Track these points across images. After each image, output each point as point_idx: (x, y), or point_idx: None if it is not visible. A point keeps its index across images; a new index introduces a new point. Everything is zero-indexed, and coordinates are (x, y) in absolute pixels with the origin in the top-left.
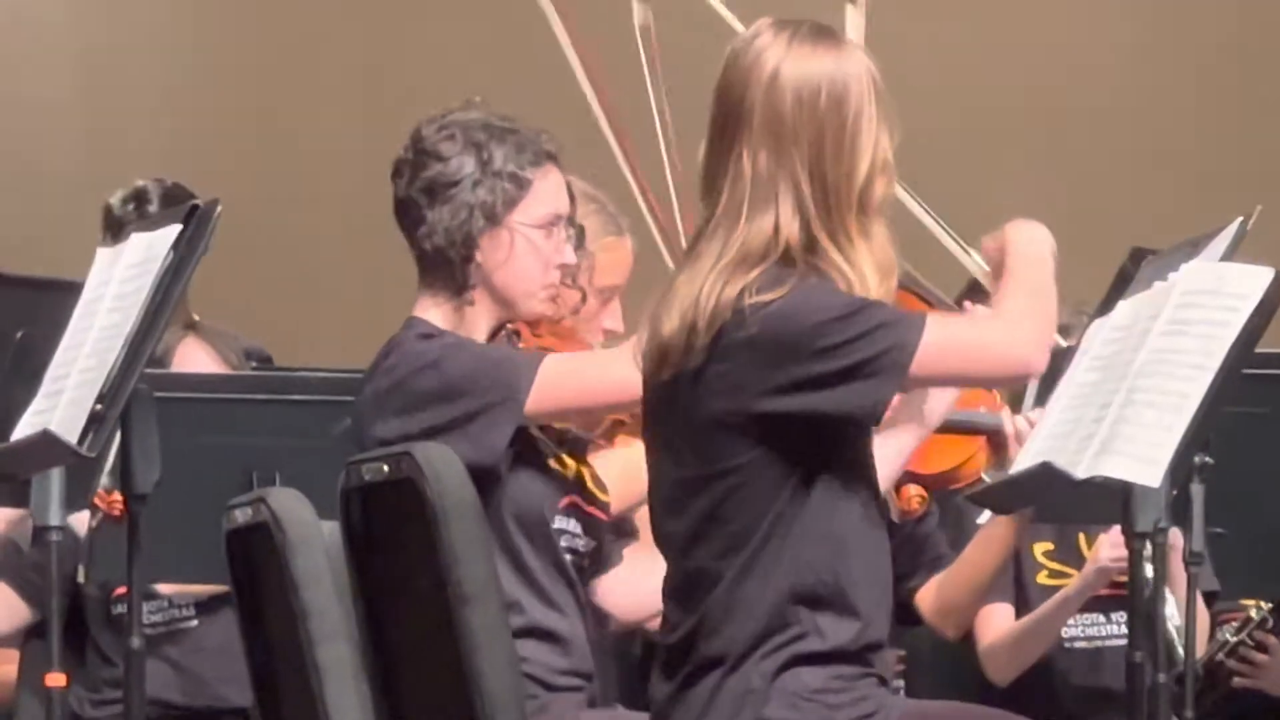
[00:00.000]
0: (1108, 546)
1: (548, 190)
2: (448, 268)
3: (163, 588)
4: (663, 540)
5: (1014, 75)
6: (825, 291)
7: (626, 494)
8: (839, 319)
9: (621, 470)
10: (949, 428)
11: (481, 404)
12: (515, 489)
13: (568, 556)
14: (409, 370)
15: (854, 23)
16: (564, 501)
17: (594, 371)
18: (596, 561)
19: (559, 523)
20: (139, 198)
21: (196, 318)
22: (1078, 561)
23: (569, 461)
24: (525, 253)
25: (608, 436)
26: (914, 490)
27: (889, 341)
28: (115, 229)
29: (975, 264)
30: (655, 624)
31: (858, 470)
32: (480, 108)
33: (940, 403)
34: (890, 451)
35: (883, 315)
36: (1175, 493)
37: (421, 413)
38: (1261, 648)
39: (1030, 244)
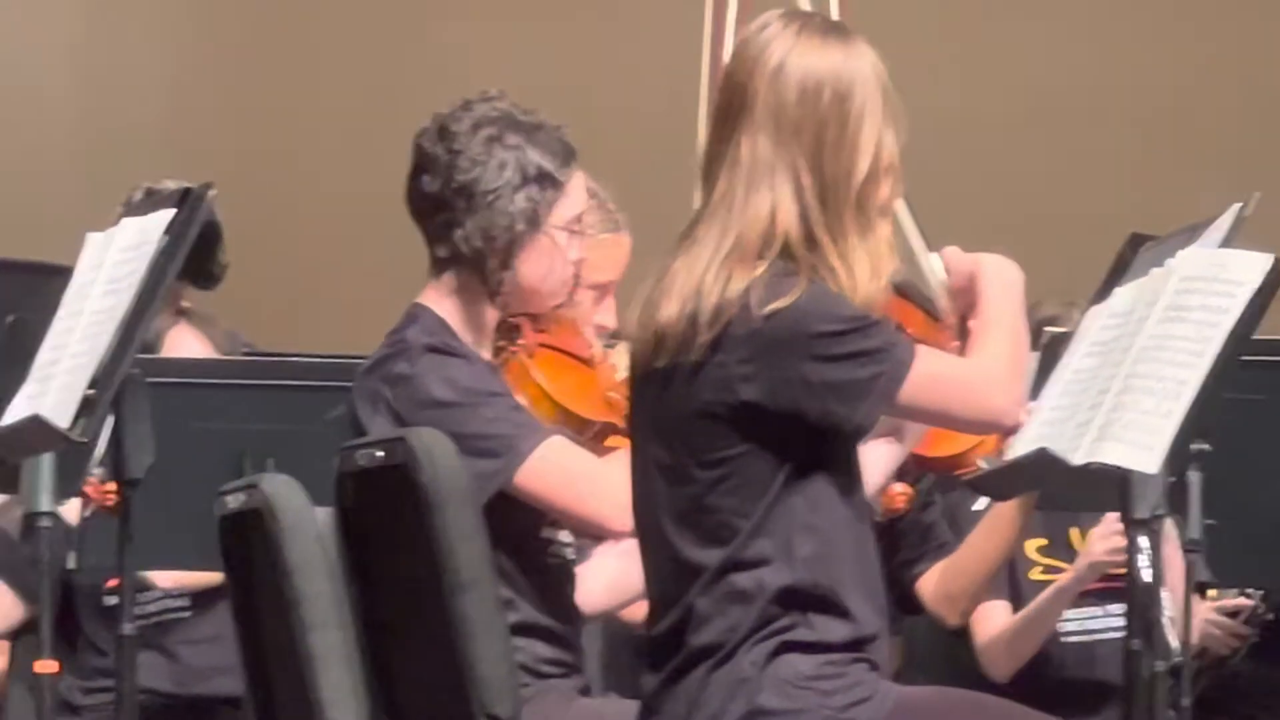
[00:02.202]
0: (1100, 539)
1: (576, 190)
2: (481, 271)
3: (161, 581)
4: (644, 528)
5: (1009, 61)
6: (832, 301)
7: (618, 595)
8: (839, 334)
9: (616, 568)
10: None
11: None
12: (503, 511)
13: (553, 561)
14: (421, 400)
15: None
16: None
17: (592, 487)
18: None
19: (547, 533)
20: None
21: (187, 304)
22: (1070, 557)
23: None
24: (556, 255)
25: (598, 438)
26: (899, 489)
27: (881, 367)
28: None
29: (931, 268)
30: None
31: (845, 474)
32: (502, 100)
33: (918, 428)
34: (874, 458)
35: (881, 338)
36: (1173, 480)
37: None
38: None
39: (1007, 285)
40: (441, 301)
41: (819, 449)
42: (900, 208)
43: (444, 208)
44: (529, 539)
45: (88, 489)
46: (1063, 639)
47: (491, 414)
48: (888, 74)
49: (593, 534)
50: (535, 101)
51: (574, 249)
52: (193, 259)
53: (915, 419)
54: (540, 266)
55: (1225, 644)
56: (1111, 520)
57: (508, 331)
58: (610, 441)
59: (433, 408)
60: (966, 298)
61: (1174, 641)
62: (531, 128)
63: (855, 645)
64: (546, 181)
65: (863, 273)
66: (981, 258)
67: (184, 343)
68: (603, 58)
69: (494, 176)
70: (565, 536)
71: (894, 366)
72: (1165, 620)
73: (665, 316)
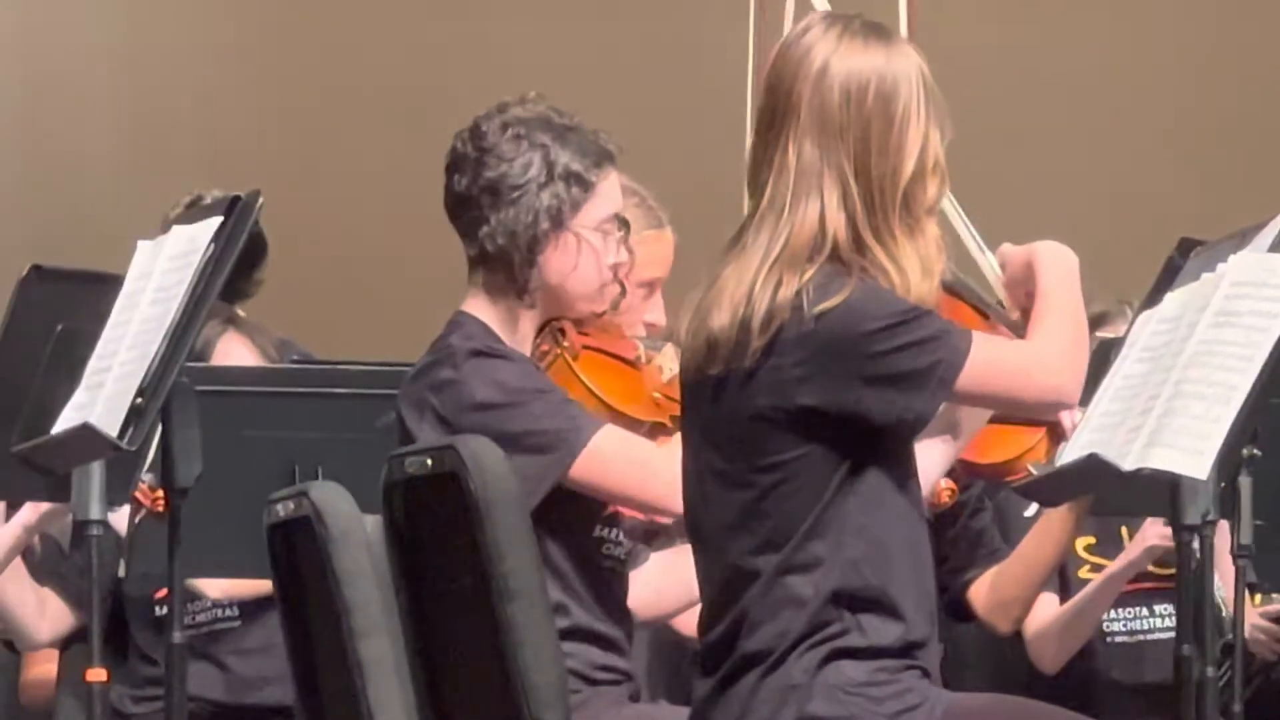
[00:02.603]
0: (1153, 523)
1: (609, 191)
2: (508, 269)
3: (210, 591)
4: (698, 534)
5: (1058, 66)
6: (881, 297)
7: (665, 602)
8: (891, 327)
9: (661, 572)
10: (1010, 418)
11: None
12: (557, 504)
13: (607, 563)
14: (468, 405)
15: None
16: (607, 510)
17: (646, 470)
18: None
19: (599, 531)
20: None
21: (241, 313)
22: (1119, 555)
23: None
24: (587, 256)
25: (650, 437)
26: (944, 483)
27: (938, 355)
28: None
29: (990, 265)
30: (682, 623)
31: (900, 472)
32: (539, 102)
33: (971, 424)
34: (929, 455)
35: (934, 327)
36: (1223, 485)
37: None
38: None
39: (1065, 270)
40: (482, 307)
41: (875, 447)
42: (950, 210)
43: (472, 205)
44: (583, 537)
45: (138, 494)
46: (1109, 639)
47: (540, 410)
48: (931, 73)
49: (655, 517)
50: (583, 101)
51: (612, 252)
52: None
53: (978, 404)
54: (565, 264)
55: (1271, 649)
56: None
57: (552, 335)
58: (661, 441)
59: (480, 411)
60: (1024, 287)
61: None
62: (564, 129)
63: (906, 650)
64: (574, 180)
65: (914, 272)
66: (1037, 245)
67: (233, 351)
68: (651, 58)
69: (519, 173)
70: (618, 535)
71: (951, 353)
72: (1219, 599)
73: (717, 324)
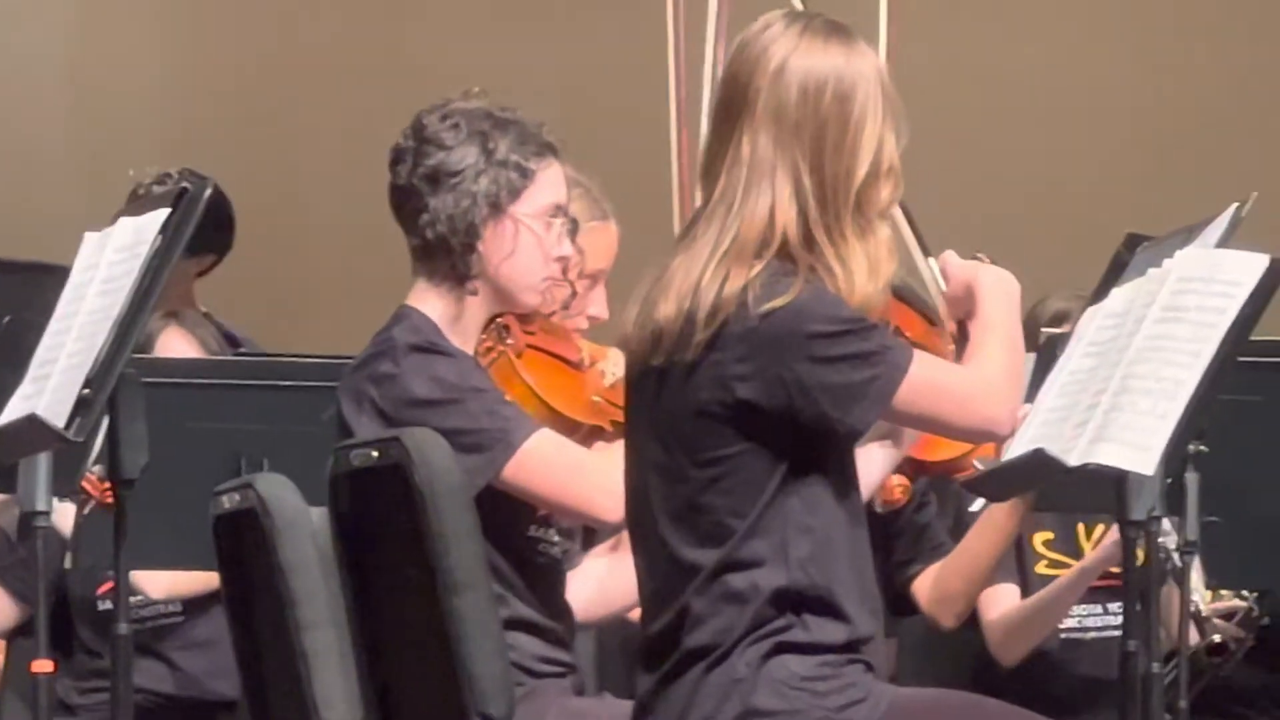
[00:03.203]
0: None
1: (550, 180)
2: (448, 257)
3: (152, 591)
4: (639, 527)
5: (1009, 66)
6: (828, 302)
7: (604, 604)
8: (835, 335)
9: (600, 580)
10: None
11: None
12: (491, 503)
13: (542, 560)
14: (406, 400)
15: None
16: (541, 511)
17: (580, 478)
18: (568, 559)
19: (534, 531)
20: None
21: (204, 309)
22: (1077, 552)
23: None
24: (527, 245)
25: (585, 441)
26: (896, 480)
27: (877, 370)
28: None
29: (931, 272)
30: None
31: (841, 475)
32: (481, 98)
33: (913, 430)
34: (870, 458)
35: (877, 341)
36: (1169, 481)
37: None
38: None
39: (1006, 299)
40: (427, 301)
41: (815, 450)
42: (897, 212)
43: (412, 195)
44: (517, 537)
45: (87, 485)
46: (1062, 635)
47: (477, 409)
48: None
49: (585, 524)
50: (529, 103)
51: (555, 243)
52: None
53: (909, 424)
54: (503, 251)
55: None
56: None
57: (496, 332)
58: (598, 446)
59: (418, 407)
60: (963, 306)
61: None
62: (504, 121)
63: (850, 647)
64: (512, 167)
65: (861, 274)
66: (980, 268)
67: (174, 346)
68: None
69: (457, 160)
70: (553, 535)
71: (890, 370)
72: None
73: (663, 315)
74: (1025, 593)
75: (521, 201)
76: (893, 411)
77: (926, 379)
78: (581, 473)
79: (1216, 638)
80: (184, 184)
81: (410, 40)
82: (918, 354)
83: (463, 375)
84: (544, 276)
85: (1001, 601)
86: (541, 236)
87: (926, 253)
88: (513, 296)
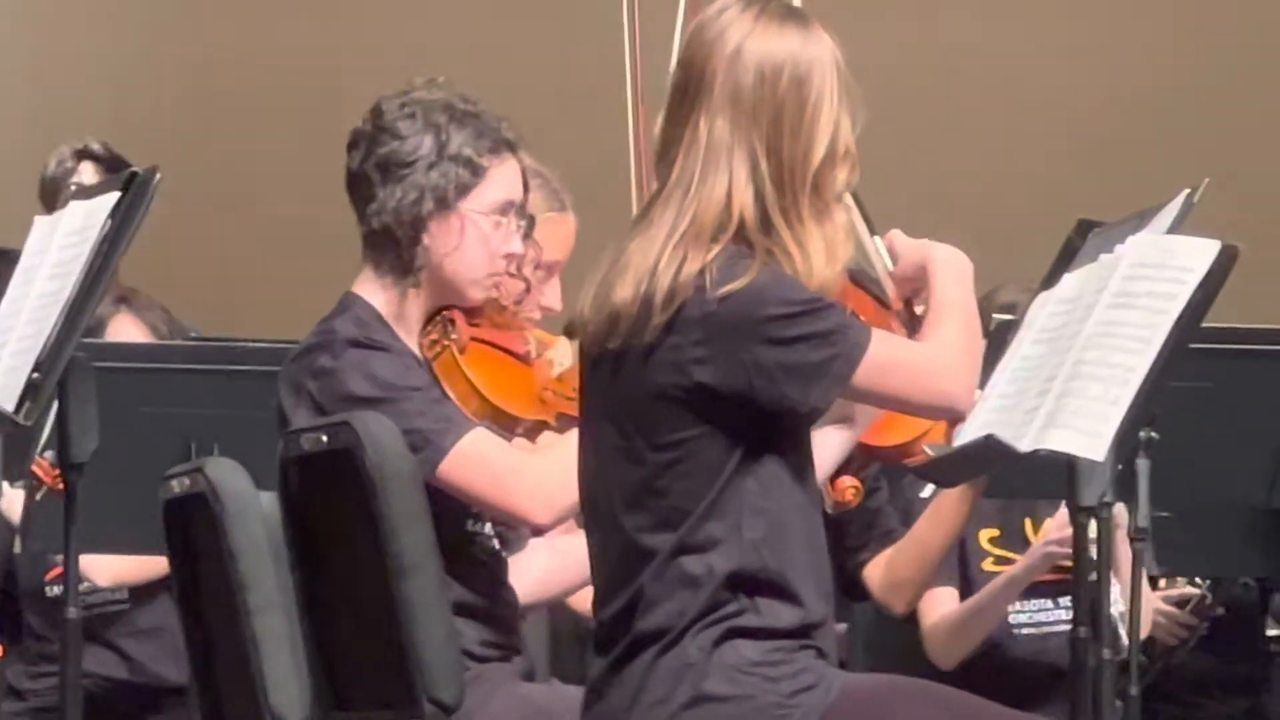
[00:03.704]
0: (1055, 530)
1: (503, 178)
2: (394, 248)
3: (100, 580)
4: (594, 510)
5: (962, 55)
6: (785, 284)
7: (546, 589)
8: (793, 316)
9: (547, 562)
10: None
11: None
12: (429, 501)
13: (480, 555)
14: (342, 396)
15: None
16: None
17: (514, 480)
18: (510, 545)
19: (470, 526)
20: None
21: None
22: (1022, 547)
23: None
24: (474, 241)
25: (530, 436)
26: (848, 482)
27: (836, 349)
28: (50, 196)
29: (877, 251)
30: (578, 600)
31: (797, 458)
32: (444, 88)
33: (868, 412)
34: (826, 441)
35: (835, 320)
36: (1120, 467)
37: None
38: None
39: (960, 276)
40: (372, 288)
41: (772, 432)
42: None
43: (364, 182)
44: (454, 532)
45: (37, 470)
46: (1015, 630)
47: (412, 408)
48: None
49: (516, 525)
50: (486, 91)
51: (504, 241)
52: None
53: (869, 402)
54: (448, 246)
55: (1173, 634)
56: (1065, 515)
57: (441, 325)
58: (542, 439)
59: (353, 404)
60: (912, 284)
61: (1123, 635)
62: (464, 114)
63: (802, 632)
64: (464, 163)
65: (819, 258)
66: (932, 247)
67: (125, 330)
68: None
69: (410, 151)
70: (489, 530)
71: (848, 349)
72: (1115, 614)
73: (620, 298)
74: (969, 590)
75: (470, 198)
76: (853, 390)
77: (885, 356)
78: (516, 475)
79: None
80: (133, 170)
81: (365, 29)
82: (876, 332)
83: (400, 373)
84: (489, 273)
85: (939, 605)
86: (489, 234)
87: (873, 231)
88: (457, 291)
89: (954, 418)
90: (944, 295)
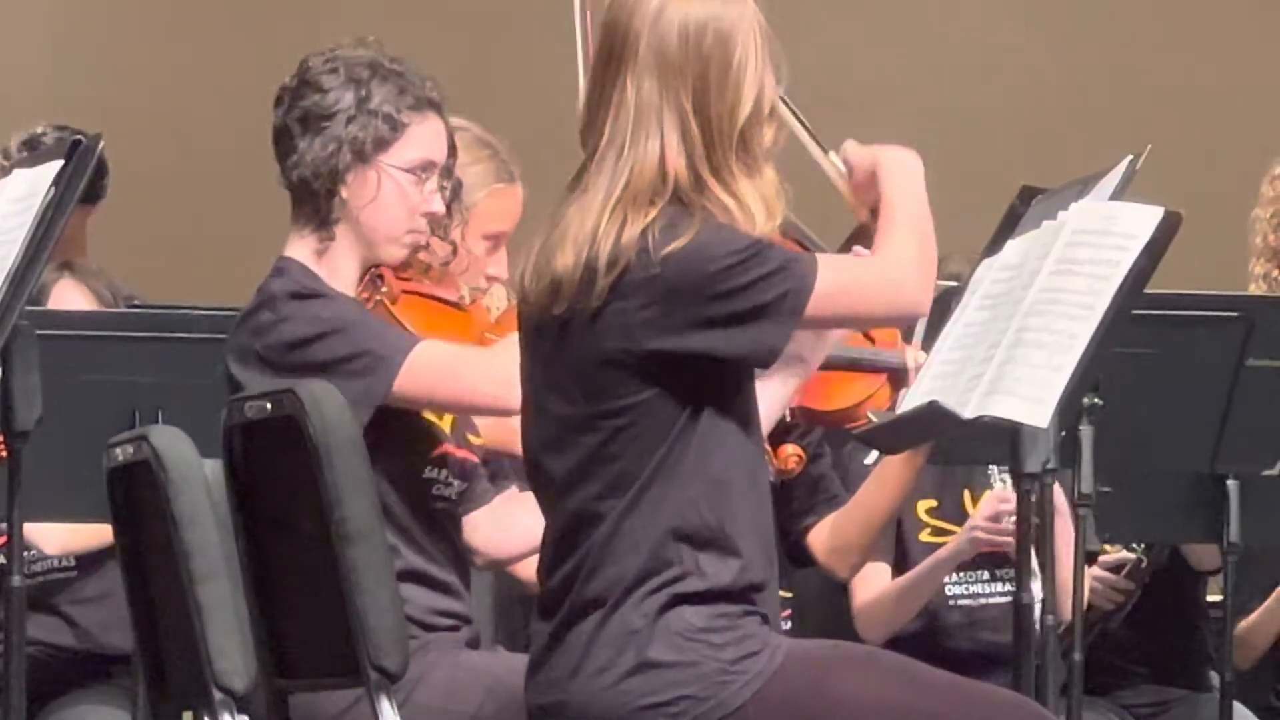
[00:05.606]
0: (983, 516)
1: (424, 136)
2: (313, 201)
3: (47, 548)
4: (539, 479)
5: (904, 26)
6: (724, 234)
7: (510, 543)
8: (737, 264)
9: (508, 513)
10: (850, 365)
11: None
12: (385, 446)
13: (439, 505)
14: (288, 343)
15: None
16: (436, 451)
17: (470, 371)
18: (467, 501)
19: (429, 473)
20: (32, 144)
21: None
22: (959, 519)
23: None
24: (391, 196)
25: None
26: (791, 450)
27: (786, 285)
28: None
29: (834, 165)
30: (521, 569)
31: (742, 411)
32: (372, 47)
33: (824, 343)
34: (771, 392)
35: (780, 258)
36: (1064, 434)
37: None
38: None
39: (908, 178)
40: (302, 250)
41: (720, 388)
42: (789, 116)
43: (286, 135)
44: (412, 480)
45: None
46: (951, 603)
47: (358, 335)
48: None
49: (487, 416)
50: (435, 64)
51: (429, 201)
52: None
53: (831, 326)
54: (363, 198)
55: (1109, 599)
56: (994, 498)
57: (371, 282)
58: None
59: (300, 347)
60: (871, 193)
61: (1065, 613)
62: (388, 72)
63: (745, 594)
64: (383, 118)
65: (760, 212)
66: (880, 151)
67: (69, 297)
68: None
69: (330, 104)
70: (449, 477)
71: (798, 281)
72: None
73: (561, 265)
74: (905, 561)
75: (389, 153)
76: (810, 320)
77: (835, 281)
78: (477, 368)
79: None
80: (77, 136)
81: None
82: (822, 258)
83: (343, 311)
84: (407, 229)
85: (871, 583)
86: (406, 190)
87: (825, 150)
88: (375, 247)
89: (916, 318)
90: (891, 200)
